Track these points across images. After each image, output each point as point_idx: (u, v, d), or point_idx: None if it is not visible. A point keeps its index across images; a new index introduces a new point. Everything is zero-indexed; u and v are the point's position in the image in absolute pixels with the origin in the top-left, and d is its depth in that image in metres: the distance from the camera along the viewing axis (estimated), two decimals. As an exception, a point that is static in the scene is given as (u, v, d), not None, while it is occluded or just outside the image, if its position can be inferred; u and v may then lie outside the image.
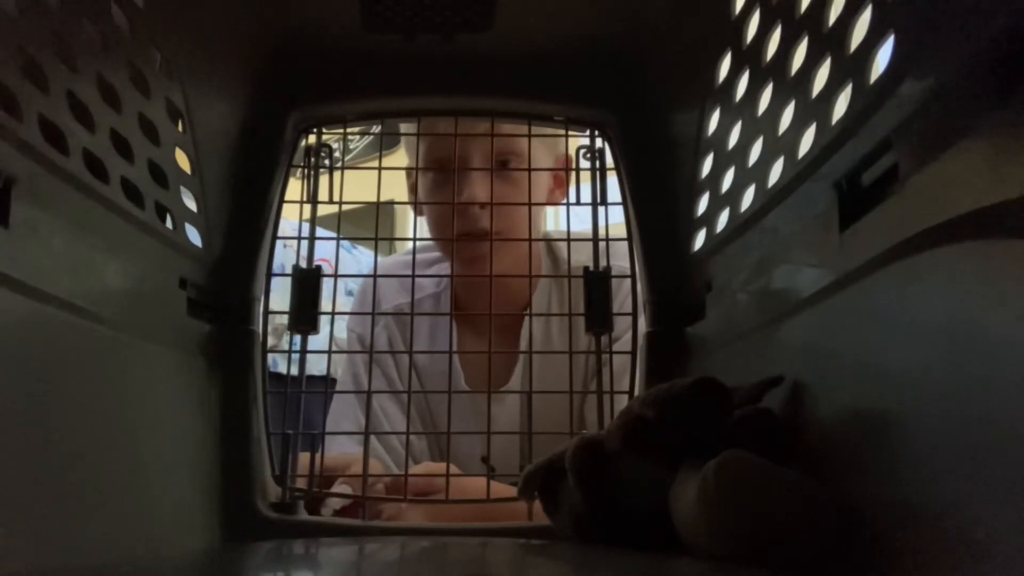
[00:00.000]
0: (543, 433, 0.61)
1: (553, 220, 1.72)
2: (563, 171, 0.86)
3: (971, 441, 0.27)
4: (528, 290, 0.85)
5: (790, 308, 0.43)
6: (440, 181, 0.84)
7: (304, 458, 0.64)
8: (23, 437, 0.37)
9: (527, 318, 0.77)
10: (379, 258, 1.07)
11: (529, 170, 0.69)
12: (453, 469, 0.63)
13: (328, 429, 0.73)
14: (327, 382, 0.71)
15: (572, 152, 0.70)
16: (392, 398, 0.87)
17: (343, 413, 0.84)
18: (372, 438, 0.74)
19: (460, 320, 0.87)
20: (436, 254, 0.95)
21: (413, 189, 0.92)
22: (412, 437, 0.81)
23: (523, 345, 0.81)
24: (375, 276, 0.80)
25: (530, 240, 0.72)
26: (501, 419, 0.78)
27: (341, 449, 0.78)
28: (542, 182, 0.85)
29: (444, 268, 0.93)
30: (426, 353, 0.84)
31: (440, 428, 0.83)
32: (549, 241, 0.91)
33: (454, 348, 0.80)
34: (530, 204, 0.71)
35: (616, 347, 0.67)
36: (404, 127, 0.84)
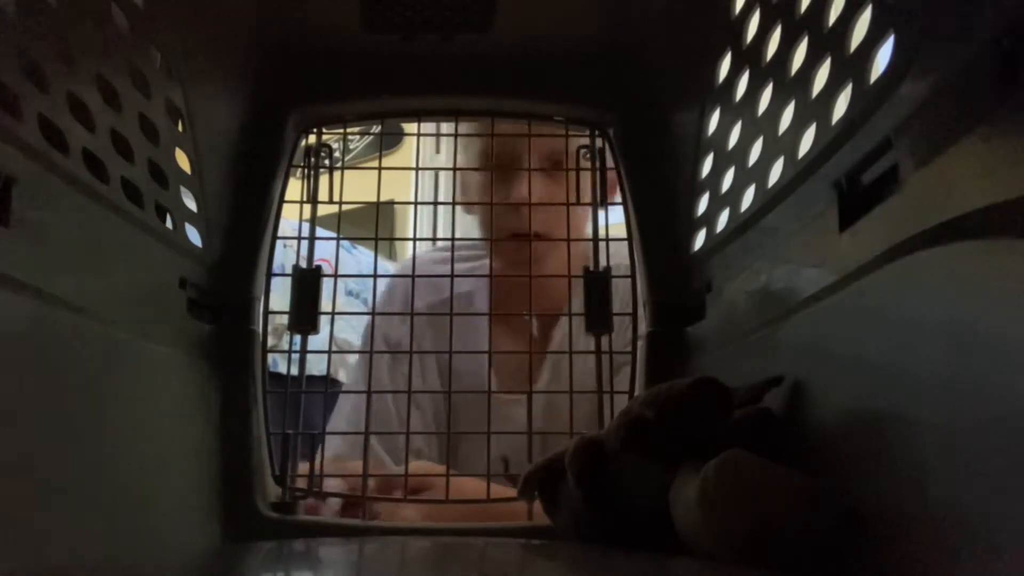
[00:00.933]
0: (549, 433, 0.61)
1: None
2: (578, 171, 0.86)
3: (971, 441, 0.27)
4: (569, 292, 0.84)
5: (790, 308, 0.43)
6: (493, 180, 0.83)
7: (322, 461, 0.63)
8: (22, 437, 0.37)
9: (560, 320, 0.75)
10: (412, 254, 1.05)
11: (529, 170, 0.69)
12: (466, 468, 0.62)
13: (339, 429, 0.72)
14: (327, 382, 0.71)
15: (572, 152, 0.70)
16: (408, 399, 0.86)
17: (350, 417, 0.83)
18: (374, 439, 0.74)
19: (493, 320, 0.86)
20: (469, 252, 0.94)
21: (464, 187, 0.91)
22: (420, 438, 0.81)
23: (553, 347, 0.80)
24: (373, 276, 0.80)
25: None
26: (525, 420, 0.78)
27: (336, 451, 0.78)
28: (586, 181, 0.85)
29: (476, 267, 0.91)
30: (455, 353, 0.83)
31: (459, 429, 0.82)
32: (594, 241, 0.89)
33: (489, 349, 0.79)
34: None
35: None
36: (441, 127, 0.83)
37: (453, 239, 0.74)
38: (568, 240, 0.66)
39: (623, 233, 0.67)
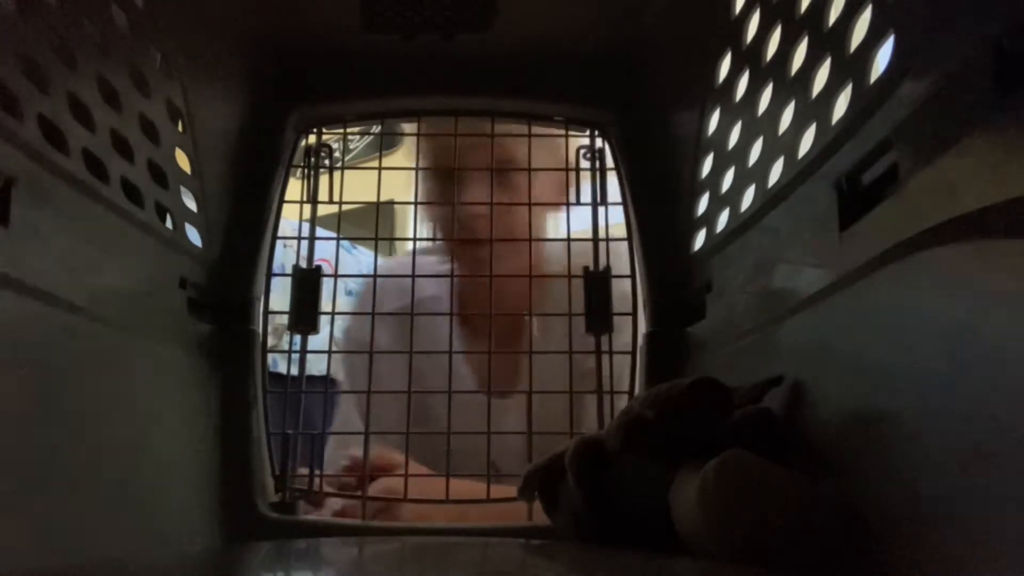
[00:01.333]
0: (540, 433, 0.61)
1: (553, 221, 1.70)
2: (562, 173, 0.86)
3: (971, 441, 0.27)
4: (531, 295, 0.84)
5: (790, 308, 0.43)
6: (440, 189, 0.83)
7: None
8: (22, 437, 0.37)
9: (528, 321, 0.76)
10: (380, 260, 1.06)
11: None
12: (453, 470, 0.63)
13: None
14: (327, 382, 0.71)
15: (572, 152, 0.70)
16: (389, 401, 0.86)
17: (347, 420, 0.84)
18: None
19: (464, 325, 0.86)
20: (439, 256, 0.94)
21: (423, 195, 0.91)
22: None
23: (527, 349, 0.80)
24: (373, 276, 0.80)
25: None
26: (510, 422, 0.78)
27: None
28: (543, 188, 0.85)
29: (445, 270, 0.92)
30: (418, 353, 0.83)
31: (441, 430, 0.82)
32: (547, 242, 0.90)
33: (457, 350, 0.80)
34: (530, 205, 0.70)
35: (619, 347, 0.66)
36: (406, 127, 0.83)
37: (453, 239, 0.74)
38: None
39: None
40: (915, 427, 0.30)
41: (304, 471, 0.63)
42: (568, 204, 0.68)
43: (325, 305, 0.65)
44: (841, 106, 0.37)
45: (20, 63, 0.37)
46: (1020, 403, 0.24)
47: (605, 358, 0.65)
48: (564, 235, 0.68)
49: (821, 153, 0.39)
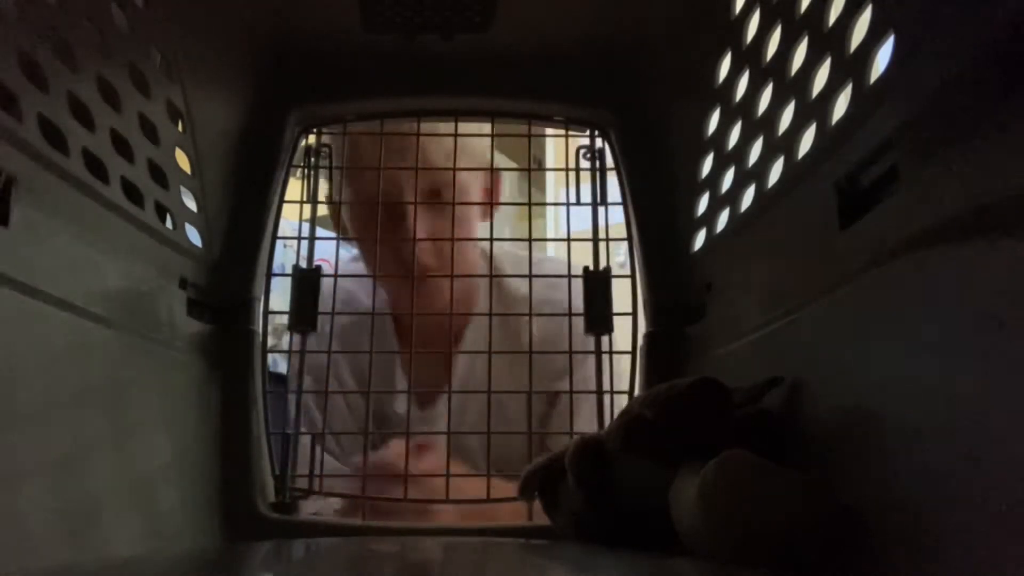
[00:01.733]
0: (539, 433, 0.62)
1: (553, 221, 1.69)
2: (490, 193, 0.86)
3: (970, 440, 0.27)
4: (467, 318, 0.84)
5: (790, 308, 0.43)
6: (376, 217, 0.74)
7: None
8: (22, 436, 0.37)
9: (471, 321, 0.77)
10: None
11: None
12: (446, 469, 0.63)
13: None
14: (327, 382, 0.71)
15: (572, 152, 0.70)
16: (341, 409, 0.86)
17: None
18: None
19: (400, 336, 0.86)
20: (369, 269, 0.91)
21: (351, 219, 0.83)
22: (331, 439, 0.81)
23: (458, 369, 0.80)
24: (373, 276, 0.79)
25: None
26: (434, 426, 0.79)
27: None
28: (473, 212, 0.83)
29: (381, 291, 0.90)
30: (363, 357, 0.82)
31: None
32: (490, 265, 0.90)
33: (397, 365, 0.81)
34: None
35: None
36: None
37: (453, 239, 0.74)
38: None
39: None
40: (914, 427, 0.30)
41: (304, 471, 0.63)
42: (568, 204, 0.68)
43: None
44: (841, 106, 0.37)
45: (20, 63, 0.37)
46: (1018, 402, 0.24)
47: (605, 357, 0.64)
48: (564, 223, 0.68)
49: (821, 153, 0.39)
